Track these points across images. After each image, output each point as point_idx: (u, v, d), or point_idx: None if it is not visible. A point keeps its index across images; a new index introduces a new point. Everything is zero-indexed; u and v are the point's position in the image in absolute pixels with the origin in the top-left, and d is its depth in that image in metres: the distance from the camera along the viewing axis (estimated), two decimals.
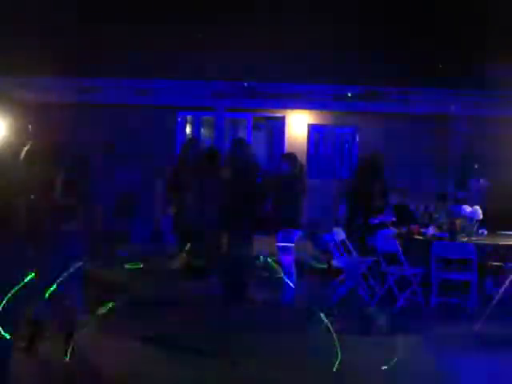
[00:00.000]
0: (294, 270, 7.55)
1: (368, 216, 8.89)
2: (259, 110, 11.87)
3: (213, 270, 8.53)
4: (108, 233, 10.58)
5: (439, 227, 8.06)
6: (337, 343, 5.59)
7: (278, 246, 7.60)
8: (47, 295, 5.38)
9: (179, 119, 12.06)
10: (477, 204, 8.08)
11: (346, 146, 12.20)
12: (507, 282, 6.86)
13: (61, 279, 5.36)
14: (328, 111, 11.87)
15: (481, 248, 7.30)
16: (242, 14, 10.44)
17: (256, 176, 7.96)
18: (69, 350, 5.44)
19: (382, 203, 9.02)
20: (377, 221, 8.40)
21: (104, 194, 11.15)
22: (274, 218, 7.64)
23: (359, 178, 10.38)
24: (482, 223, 8.01)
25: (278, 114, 12.07)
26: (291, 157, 7.87)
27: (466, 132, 10.81)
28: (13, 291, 5.02)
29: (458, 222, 7.81)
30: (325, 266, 8.86)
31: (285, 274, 7.52)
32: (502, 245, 7.56)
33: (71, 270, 5.46)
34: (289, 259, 7.53)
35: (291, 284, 7.50)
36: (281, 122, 12.17)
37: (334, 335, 5.71)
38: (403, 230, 8.02)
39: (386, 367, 5.43)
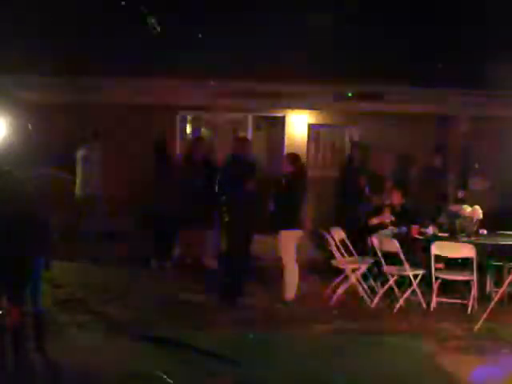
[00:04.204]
0: (294, 269, 7.54)
1: (364, 212, 8.92)
2: (259, 110, 11.87)
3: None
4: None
5: (439, 227, 8.06)
6: None
7: (280, 245, 7.60)
8: None
9: (179, 119, 12.06)
10: (477, 204, 8.08)
11: (346, 145, 12.19)
12: (507, 282, 6.86)
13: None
14: (328, 111, 11.87)
15: (481, 248, 7.30)
16: (242, 14, 10.44)
17: (255, 174, 7.96)
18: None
19: (375, 198, 9.05)
20: (376, 221, 8.41)
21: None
22: (276, 218, 7.63)
23: (348, 176, 10.43)
24: (482, 223, 8.01)
25: (278, 113, 12.07)
26: (294, 157, 7.88)
27: (466, 132, 10.81)
28: None
29: (458, 222, 7.81)
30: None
31: (285, 273, 7.53)
32: (502, 245, 7.56)
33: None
34: (289, 259, 7.53)
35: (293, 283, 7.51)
36: (280, 121, 12.17)
37: None
38: (403, 230, 8.02)
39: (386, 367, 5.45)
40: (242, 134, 11.44)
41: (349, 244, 8.22)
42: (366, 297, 7.71)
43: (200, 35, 10.49)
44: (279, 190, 7.70)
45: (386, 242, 7.57)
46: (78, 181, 9.92)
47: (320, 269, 8.84)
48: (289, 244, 7.50)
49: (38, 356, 5.46)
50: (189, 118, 12.23)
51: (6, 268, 5.22)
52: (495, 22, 9.94)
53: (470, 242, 7.33)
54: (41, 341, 5.58)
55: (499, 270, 7.64)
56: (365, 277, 7.99)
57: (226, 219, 7.81)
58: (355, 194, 9.48)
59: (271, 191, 7.84)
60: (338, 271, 7.95)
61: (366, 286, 7.90)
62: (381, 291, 7.64)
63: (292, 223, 7.52)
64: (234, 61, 10.05)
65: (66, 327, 6.24)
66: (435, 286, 7.34)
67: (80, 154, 10.04)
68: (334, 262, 8.00)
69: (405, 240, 7.65)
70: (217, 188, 8.23)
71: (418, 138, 11.47)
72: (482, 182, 10.34)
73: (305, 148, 12.03)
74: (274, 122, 12.43)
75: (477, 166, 10.71)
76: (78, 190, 9.85)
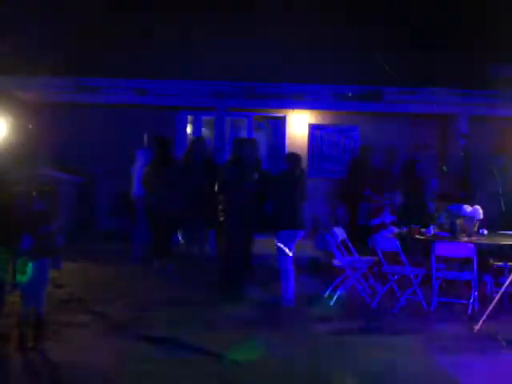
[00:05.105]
0: (292, 270, 7.52)
1: (365, 214, 8.93)
2: (259, 110, 11.87)
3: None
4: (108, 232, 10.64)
5: (439, 227, 8.06)
6: None
7: (277, 246, 7.59)
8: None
9: (179, 119, 12.06)
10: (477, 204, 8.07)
11: (347, 145, 12.20)
12: (507, 282, 6.86)
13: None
14: (328, 111, 11.87)
15: (481, 248, 7.29)
16: (242, 14, 10.45)
17: (255, 175, 7.96)
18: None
19: (378, 200, 9.06)
20: (377, 221, 8.41)
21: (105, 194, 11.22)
22: (275, 218, 7.62)
23: (351, 177, 10.45)
24: (482, 223, 8.01)
25: (278, 113, 12.06)
26: (294, 157, 7.87)
27: (466, 132, 10.80)
28: None
29: (458, 221, 7.80)
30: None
31: (283, 274, 7.52)
32: (503, 245, 7.55)
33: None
34: (287, 259, 7.52)
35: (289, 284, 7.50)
36: (281, 121, 12.17)
37: None
38: (403, 230, 8.02)
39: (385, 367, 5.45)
40: (244, 135, 11.47)
41: (349, 244, 8.23)
42: (366, 297, 7.71)
43: (200, 35, 10.51)
44: (278, 190, 7.68)
45: (386, 241, 7.57)
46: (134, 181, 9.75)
47: (320, 269, 8.85)
48: (287, 244, 7.49)
49: (35, 356, 5.48)
50: (189, 118, 12.23)
51: None
52: (495, 22, 9.93)
53: (469, 242, 7.33)
54: (38, 341, 5.58)
55: (499, 270, 7.64)
56: (365, 277, 7.99)
57: (221, 218, 7.82)
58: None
59: (270, 191, 7.83)
60: (338, 271, 7.95)
61: (366, 286, 7.90)
62: (381, 291, 7.64)
63: (291, 223, 7.51)
64: (234, 61, 10.06)
65: (66, 327, 6.23)
66: (435, 286, 7.34)
67: (141, 155, 9.78)
68: (334, 262, 8.00)
69: (405, 240, 7.65)
70: (216, 188, 8.23)
71: (418, 137, 11.48)
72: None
73: (305, 148, 12.05)
74: (274, 122, 12.43)
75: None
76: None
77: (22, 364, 5.35)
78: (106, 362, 5.42)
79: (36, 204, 5.73)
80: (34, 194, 5.82)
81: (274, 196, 7.73)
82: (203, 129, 12.39)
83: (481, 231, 7.93)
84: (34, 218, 5.67)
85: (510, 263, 7.48)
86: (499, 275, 7.57)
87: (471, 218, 7.82)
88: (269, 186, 7.95)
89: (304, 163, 11.50)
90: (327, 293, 7.83)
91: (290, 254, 7.52)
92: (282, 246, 7.52)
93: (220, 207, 7.93)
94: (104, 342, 5.99)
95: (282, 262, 7.53)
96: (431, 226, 8.01)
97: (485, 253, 7.44)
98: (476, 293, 7.22)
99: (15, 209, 5.69)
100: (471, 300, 7.19)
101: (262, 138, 12.40)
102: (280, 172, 8.03)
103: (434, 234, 7.81)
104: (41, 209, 5.73)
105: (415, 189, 9.75)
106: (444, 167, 10.60)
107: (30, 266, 5.56)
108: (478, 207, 7.90)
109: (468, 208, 7.87)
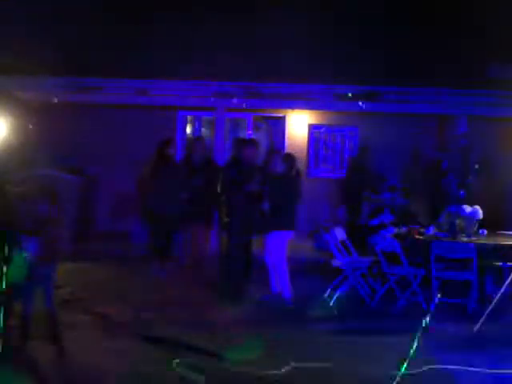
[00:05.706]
0: (283, 270, 7.52)
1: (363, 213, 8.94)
2: (259, 110, 11.87)
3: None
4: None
5: (439, 227, 8.06)
6: None
7: (269, 246, 7.58)
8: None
9: (179, 119, 12.07)
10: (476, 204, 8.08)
11: (346, 145, 12.21)
12: (507, 282, 6.86)
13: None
14: (328, 111, 11.88)
15: (481, 248, 7.30)
16: (241, 14, 10.44)
17: (255, 176, 7.95)
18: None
19: (377, 199, 9.07)
20: (376, 221, 8.42)
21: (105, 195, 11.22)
22: (270, 218, 7.60)
23: (349, 177, 10.45)
24: (482, 223, 8.01)
25: (278, 113, 12.07)
26: (290, 158, 7.86)
27: (466, 132, 10.80)
28: None
29: (458, 222, 7.81)
30: None
31: (279, 274, 7.52)
32: (502, 245, 7.56)
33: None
34: (282, 260, 7.51)
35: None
36: (281, 121, 12.18)
37: None
38: (403, 230, 8.02)
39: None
40: (244, 136, 11.49)
41: (349, 244, 8.23)
42: (365, 297, 7.71)
43: (200, 35, 10.51)
44: (273, 191, 7.66)
45: (385, 241, 7.56)
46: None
47: (320, 269, 8.85)
48: (280, 245, 7.48)
49: (35, 356, 5.48)
50: (189, 117, 12.24)
51: None
52: (495, 22, 9.93)
53: (469, 242, 7.33)
54: (55, 340, 5.57)
55: (499, 270, 7.64)
56: (365, 277, 7.99)
57: (225, 220, 7.81)
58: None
59: (266, 191, 7.81)
60: (338, 271, 7.95)
61: (365, 286, 7.90)
62: (381, 291, 7.64)
63: (284, 224, 7.49)
64: (234, 60, 10.05)
65: (66, 327, 6.22)
66: (435, 286, 7.34)
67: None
68: (334, 262, 8.00)
69: (405, 240, 7.65)
70: (219, 188, 8.23)
71: (418, 138, 11.48)
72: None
73: (305, 148, 12.05)
74: (274, 122, 12.44)
75: (477, 166, 10.70)
76: None
77: (21, 364, 5.35)
78: (106, 361, 5.43)
79: (40, 207, 5.64)
80: (36, 195, 5.76)
81: (269, 196, 7.70)
82: (203, 129, 12.40)
83: (481, 231, 7.93)
84: (39, 221, 5.60)
85: (510, 263, 7.49)
86: (499, 275, 7.57)
87: (471, 218, 7.83)
88: (265, 187, 7.93)
89: (303, 163, 11.55)
90: (327, 293, 7.83)
91: (283, 255, 7.51)
92: (275, 246, 7.51)
93: (223, 209, 7.92)
94: (104, 342, 5.99)
95: (277, 262, 7.52)
96: (431, 226, 8.02)
97: (485, 253, 7.44)
98: (476, 293, 7.22)
99: (16, 209, 5.65)
100: (471, 300, 7.20)
101: (261, 138, 12.43)
102: (275, 173, 7.99)
103: (434, 234, 7.82)
104: (46, 211, 5.64)
105: (440, 188, 9.78)
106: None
107: (27, 268, 5.51)
108: (477, 207, 7.91)
109: (468, 208, 7.88)
